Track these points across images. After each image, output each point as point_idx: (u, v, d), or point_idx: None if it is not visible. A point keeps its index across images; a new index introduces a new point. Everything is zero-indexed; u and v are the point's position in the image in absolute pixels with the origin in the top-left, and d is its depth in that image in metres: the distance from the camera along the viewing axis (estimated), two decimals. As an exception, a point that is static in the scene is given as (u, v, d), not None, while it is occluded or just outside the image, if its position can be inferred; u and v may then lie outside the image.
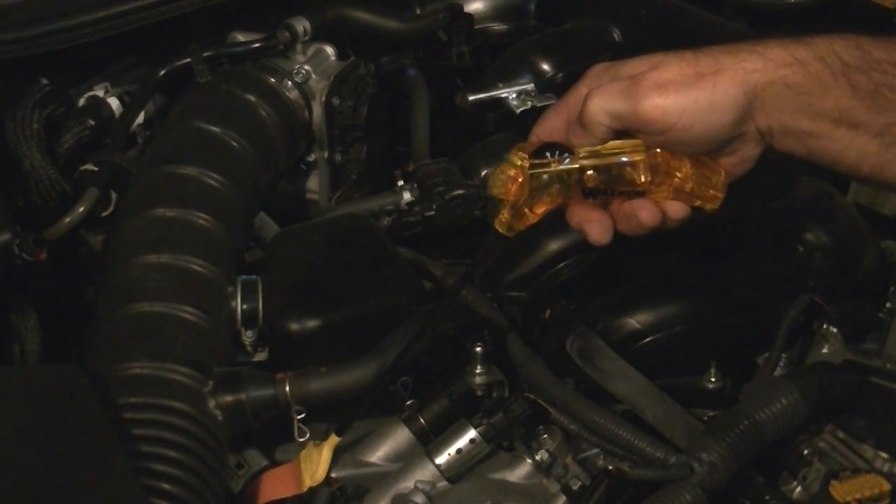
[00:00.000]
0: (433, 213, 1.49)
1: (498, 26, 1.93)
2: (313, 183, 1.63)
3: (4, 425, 0.89)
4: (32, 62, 1.44)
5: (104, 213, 1.46)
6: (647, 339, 1.25)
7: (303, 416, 1.12)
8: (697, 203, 0.99)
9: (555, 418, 1.14)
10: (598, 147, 0.95)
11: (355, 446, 1.16)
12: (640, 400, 1.18)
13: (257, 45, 1.56)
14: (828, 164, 0.94)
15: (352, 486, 1.14)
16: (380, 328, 1.18)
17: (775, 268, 1.32)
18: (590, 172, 0.95)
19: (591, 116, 0.94)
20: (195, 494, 0.98)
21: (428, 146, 1.61)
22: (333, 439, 1.11)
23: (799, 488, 1.12)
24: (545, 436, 1.14)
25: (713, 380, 1.23)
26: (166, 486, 0.96)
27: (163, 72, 1.54)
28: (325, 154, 1.60)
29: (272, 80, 1.53)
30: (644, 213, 0.97)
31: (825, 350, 1.23)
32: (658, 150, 0.95)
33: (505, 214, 0.95)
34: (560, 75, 1.71)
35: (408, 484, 1.10)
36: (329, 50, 1.63)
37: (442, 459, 1.11)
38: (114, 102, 1.53)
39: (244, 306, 1.20)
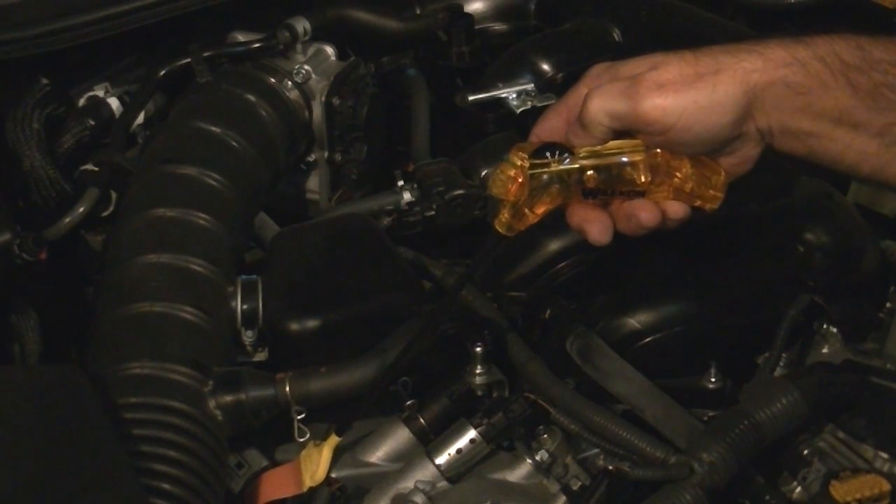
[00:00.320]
0: (433, 213, 1.49)
1: (498, 26, 1.93)
2: (313, 183, 1.63)
3: (4, 425, 0.89)
4: (32, 62, 1.44)
5: (104, 213, 1.46)
6: (647, 339, 1.25)
7: (303, 416, 1.12)
8: (697, 203, 0.99)
9: (555, 418, 1.14)
10: (598, 147, 0.95)
11: (355, 446, 1.16)
12: (640, 400, 1.18)
13: (257, 45, 1.56)
14: (828, 164, 0.94)
15: (352, 486, 1.14)
16: (380, 328, 1.18)
17: (775, 268, 1.32)
18: (590, 172, 0.95)
19: (590, 116, 0.94)
20: (195, 494, 0.98)
21: (428, 146, 1.61)
22: (333, 439, 1.11)
23: (799, 488, 1.12)
24: (545, 436, 1.14)
25: (713, 380, 1.23)
26: (166, 486, 0.96)
27: (163, 72, 1.54)
28: (325, 154, 1.59)
29: (272, 80, 1.53)
30: (644, 214, 0.97)
31: (825, 350, 1.23)
32: (658, 150, 0.95)
33: (505, 214, 0.95)
34: (560, 75, 1.71)
35: (408, 484, 1.10)
36: (329, 50, 1.63)
37: (442, 459, 1.11)
38: (114, 102, 1.53)
39: (244, 306, 1.20)
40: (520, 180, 0.94)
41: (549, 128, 1.00)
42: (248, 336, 1.21)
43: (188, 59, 1.53)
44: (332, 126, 1.58)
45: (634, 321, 1.25)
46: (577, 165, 0.95)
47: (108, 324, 1.15)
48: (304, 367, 1.13)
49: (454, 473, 1.12)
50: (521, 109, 1.67)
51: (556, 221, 1.01)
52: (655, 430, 1.15)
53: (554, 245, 1.33)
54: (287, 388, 1.11)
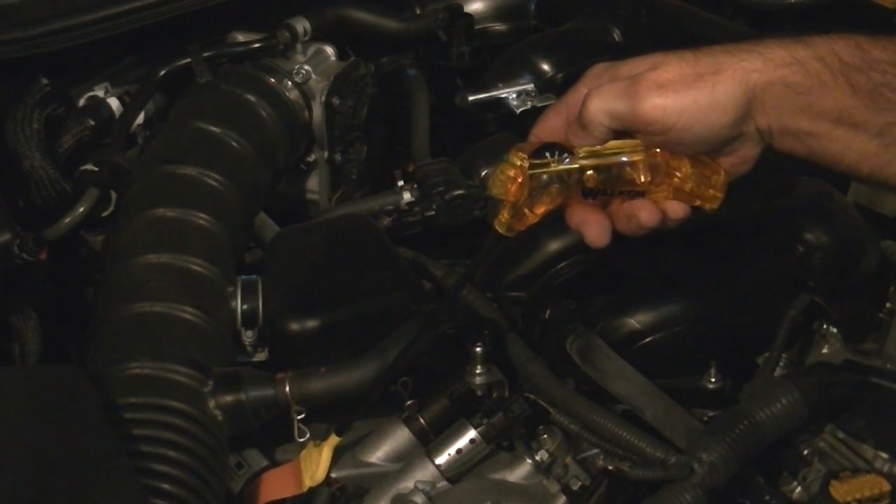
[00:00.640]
0: (433, 213, 1.49)
1: (498, 26, 1.93)
2: (313, 183, 1.63)
3: (4, 425, 0.89)
4: (32, 62, 1.44)
5: (104, 213, 1.45)
6: (647, 339, 1.25)
7: (303, 416, 1.12)
8: (697, 203, 0.99)
9: (555, 418, 1.14)
10: (598, 147, 0.95)
11: (355, 446, 1.16)
12: (640, 400, 1.18)
13: (257, 45, 1.56)
14: (827, 163, 0.94)
15: (352, 486, 1.14)
16: (380, 328, 1.18)
17: (775, 268, 1.32)
18: (589, 172, 0.95)
19: (590, 116, 0.94)
20: (195, 494, 0.98)
21: (428, 146, 1.61)
22: (333, 439, 1.11)
23: (799, 488, 1.11)
24: (545, 436, 1.14)
25: (713, 380, 1.23)
26: (166, 486, 0.96)
27: (163, 72, 1.54)
28: (325, 154, 1.60)
29: (272, 80, 1.53)
30: (644, 214, 0.97)
31: (825, 350, 1.23)
32: (658, 150, 0.95)
33: (505, 214, 0.95)
34: (560, 75, 1.71)
35: (408, 484, 1.10)
36: (329, 50, 1.63)
37: (442, 459, 1.11)
38: (114, 102, 1.53)
39: (244, 306, 1.20)
40: (519, 180, 0.94)
41: (548, 128, 1.00)
42: (248, 336, 1.21)
43: (188, 59, 1.53)
44: (332, 126, 1.58)
45: (634, 321, 1.25)
46: (576, 165, 0.95)
47: (108, 324, 1.15)
48: (304, 367, 1.13)
49: (454, 473, 1.12)
50: (521, 109, 1.67)
51: (555, 221, 1.01)
52: (655, 430, 1.15)
53: (554, 245, 1.33)
54: (287, 388, 1.11)
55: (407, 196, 1.50)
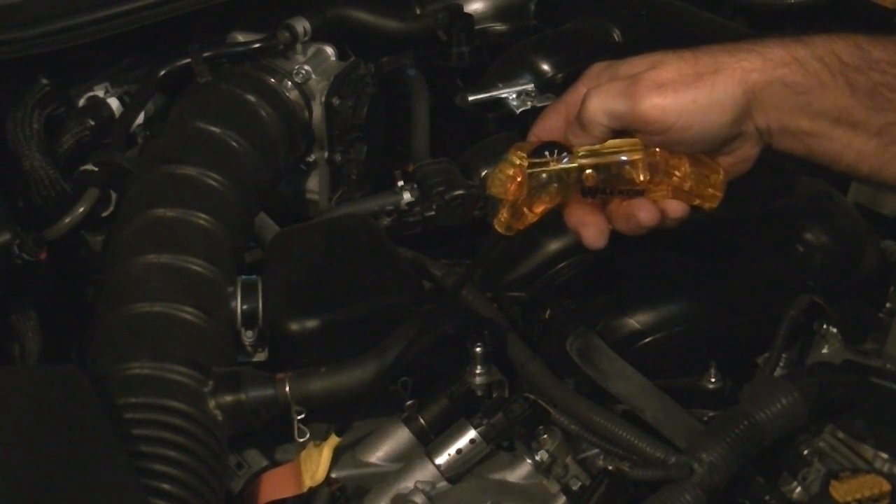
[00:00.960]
0: (433, 213, 1.49)
1: (498, 26, 1.93)
2: (313, 183, 1.63)
3: (4, 425, 0.89)
4: (32, 62, 1.44)
5: (104, 213, 1.46)
6: (647, 339, 1.25)
7: (303, 416, 1.12)
8: (696, 202, 0.99)
9: (555, 418, 1.14)
10: (597, 146, 0.96)
11: (355, 446, 1.16)
12: (640, 400, 1.18)
13: (257, 45, 1.56)
14: (827, 163, 0.94)
15: (352, 486, 1.14)
16: (380, 328, 1.18)
17: (775, 268, 1.32)
18: (589, 171, 0.95)
19: (589, 116, 0.94)
20: (195, 494, 0.98)
21: (428, 146, 1.61)
22: (333, 439, 1.11)
23: (799, 488, 1.11)
24: (545, 436, 1.14)
25: (713, 380, 1.23)
26: (166, 486, 0.95)
27: (163, 72, 1.54)
28: (325, 154, 1.59)
29: (272, 80, 1.53)
30: (643, 213, 0.97)
31: (825, 350, 1.23)
32: (657, 149, 0.95)
33: (504, 214, 0.96)
34: (560, 75, 1.71)
35: (408, 484, 1.10)
36: (329, 50, 1.63)
37: (442, 460, 1.11)
38: (114, 102, 1.53)
39: (244, 306, 1.20)
40: (519, 179, 0.94)
41: (548, 127, 1.00)
42: (248, 336, 1.21)
43: (188, 59, 1.53)
44: (332, 126, 1.58)
45: (634, 321, 1.25)
46: (575, 164, 0.95)
47: (108, 324, 1.15)
48: (304, 368, 1.13)
49: (454, 473, 1.12)
50: (521, 109, 1.67)
51: (555, 221, 1.01)
52: (655, 430, 1.15)
53: (554, 245, 1.33)
54: (287, 389, 1.11)
55: (407, 196, 1.50)
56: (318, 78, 1.57)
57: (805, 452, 1.12)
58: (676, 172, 0.96)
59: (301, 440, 1.12)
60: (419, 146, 1.60)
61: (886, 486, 1.03)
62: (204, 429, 1.04)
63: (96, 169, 1.44)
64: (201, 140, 1.38)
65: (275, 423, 1.13)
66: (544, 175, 0.95)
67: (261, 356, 1.23)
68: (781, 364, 1.20)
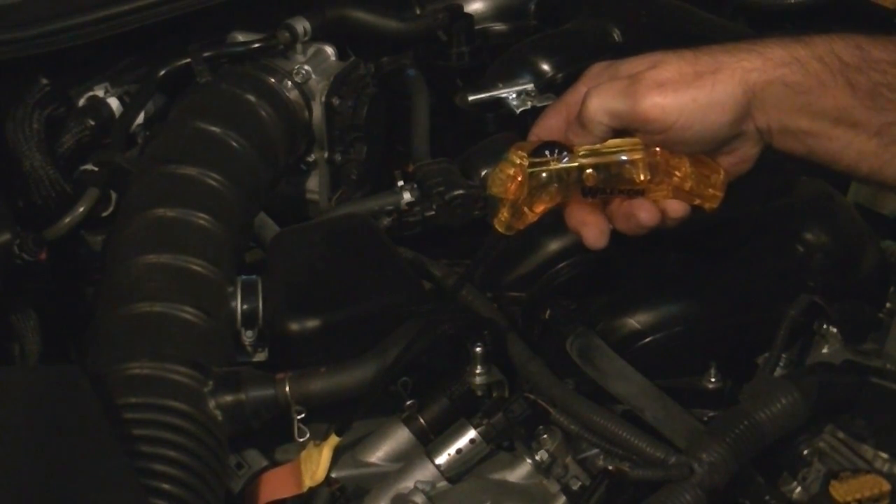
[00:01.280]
0: (433, 213, 1.49)
1: (498, 26, 1.93)
2: (313, 183, 1.63)
3: (4, 425, 0.89)
4: (32, 62, 1.44)
5: (104, 213, 1.46)
6: (647, 339, 1.25)
7: (303, 416, 1.12)
8: (697, 202, 0.99)
9: (555, 418, 1.14)
10: (598, 146, 0.96)
11: (355, 446, 1.16)
12: (640, 400, 1.18)
13: (257, 45, 1.56)
14: (827, 163, 0.95)
15: (352, 486, 1.14)
16: (380, 328, 1.17)
17: (775, 268, 1.31)
18: (589, 171, 0.95)
19: (590, 115, 0.94)
20: (195, 494, 0.98)
21: (428, 146, 1.61)
22: (333, 439, 1.11)
23: (799, 488, 1.11)
24: (545, 436, 1.14)
25: (713, 380, 1.23)
26: (166, 486, 0.95)
27: (163, 72, 1.54)
28: (325, 154, 1.60)
29: (272, 80, 1.53)
30: (643, 213, 0.97)
31: (825, 350, 1.23)
32: (657, 149, 0.95)
33: (504, 213, 0.96)
34: (560, 75, 1.71)
35: (408, 484, 1.10)
36: (329, 50, 1.63)
37: (442, 459, 1.11)
38: (114, 102, 1.53)
39: (244, 306, 1.20)
40: (519, 179, 0.94)
41: (548, 127, 1.00)
42: (248, 336, 1.21)
43: (188, 59, 1.53)
44: (332, 126, 1.58)
45: (634, 321, 1.25)
46: (576, 164, 0.95)
47: (107, 324, 1.15)
48: (304, 367, 1.13)
49: (454, 473, 1.12)
50: (521, 109, 1.67)
51: (555, 221, 1.01)
52: (655, 430, 1.15)
53: (554, 245, 1.33)
54: (287, 389, 1.11)
55: (407, 196, 1.50)
56: (318, 78, 1.57)
57: (805, 452, 1.12)
58: (677, 172, 0.96)
59: (301, 440, 1.12)
60: (419, 146, 1.60)
61: (886, 486, 1.03)
62: (204, 429, 1.04)
63: (96, 169, 1.44)
64: (201, 140, 1.38)
65: (275, 423, 1.13)
66: (545, 175, 0.95)
67: (261, 356, 1.23)
68: (781, 364, 1.20)
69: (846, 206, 1.39)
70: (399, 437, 1.15)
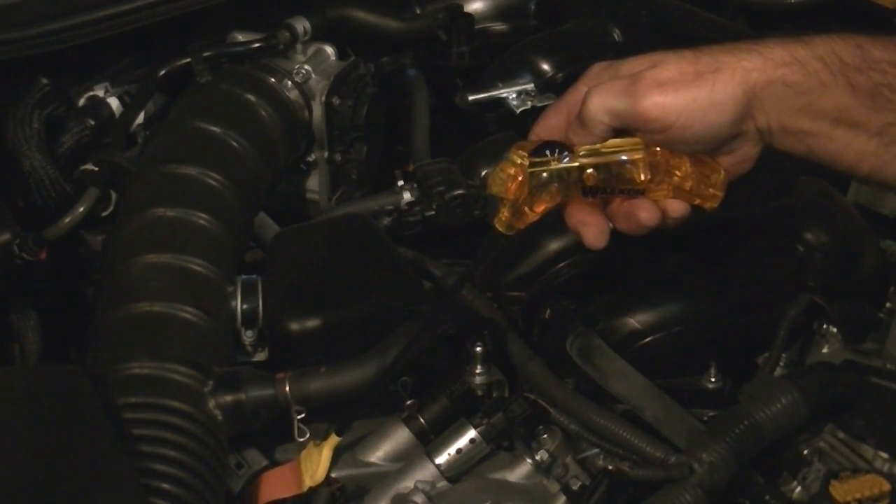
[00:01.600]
0: (433, 213, 1.49)
1: (498, 26, 1.93)
2: (313, 183, 1.63)
3: (4, 425, 0.89)
4: (32, 62, 1.44)
5: (104, 213, 1.45)
6: (647, 339, 1.25)
7: (303, 416, 1.12)
8: (697, 202, 0.99)
9: (555, 418, 1.14)
10: (598, 145, 0.95)
11: (355, 446, 1.16)
12: (640, 400, 1.18)
13: (257, 45, 1.56)
14: (827, 163, 0.94)
15: (352, 486, 1.14)
16: (380, 328, 1.18)
17: (775, 268, 1.31)
18: (589, 171, 0.95)
19: (590, 115, 0.94)
20: (195, 494, 0.98)
21: (428, 146, 1.61)
22: (333, 439, 1.11)
23: (799, 488, 1.11)
24: (545, 436, 1.14)
25: (713, 380, 1.23)
26: (166, 485, 0.96)
27: (163, 72, 1.54)
28: (325, 154, 1.59)
29: (272, 80, 1.53)
30: (643, 213, 0.97)
31: (825, 350, 1.23)
32: (657, 149, 0.95)
33: (505, 213, 0.95)
34: (560, 75, 1.71)
35: (408, 484, 1.10)
36: (329, 50, 1.63)
37: (442, 459, 1.11)
38: (114, 102, 1.53)
39: (244, 306, 1.20)
40: (519, 178, 0.94)
41: (548, 126, 1.00)
42: (248, 336, 1.21)
43: (188, 59, 1.53)
44: (332, 126, 1.58)
45: (634, 321, 1.25)
46: (576, 164, 0.95)
47: (107, 324, 1.15)
48: (304, 367, 1.13)
49: (454, 473, 1.12)
50: (521, 109, 1.67)
51: (555, 221, 1.01)
52: (655, 430, 1.15)
53: (554, 245, 1.33)
54: (287, 388, 1.11)
55: (407, 196, 1.50)
56: (318, 78, 1.57)
57: (805, 452, 1.12)
58: (677, 172, 0.96)
59: (301, 440, 1.12)
60: (419, 146, 1.60)
61: (886, 486, 1.03)
62: (204, 428, 1.04)
63: (96, 169, 1.44)
64: (201, 140, 1.38)
65: (275, 423, 1.13)
66: (545, 174, 0.95)
67: (261, 356, 1.23)
68: (781, 364, 1.21)
69: (846, 205, 1.40)
70: (399, 437, 1.15)
